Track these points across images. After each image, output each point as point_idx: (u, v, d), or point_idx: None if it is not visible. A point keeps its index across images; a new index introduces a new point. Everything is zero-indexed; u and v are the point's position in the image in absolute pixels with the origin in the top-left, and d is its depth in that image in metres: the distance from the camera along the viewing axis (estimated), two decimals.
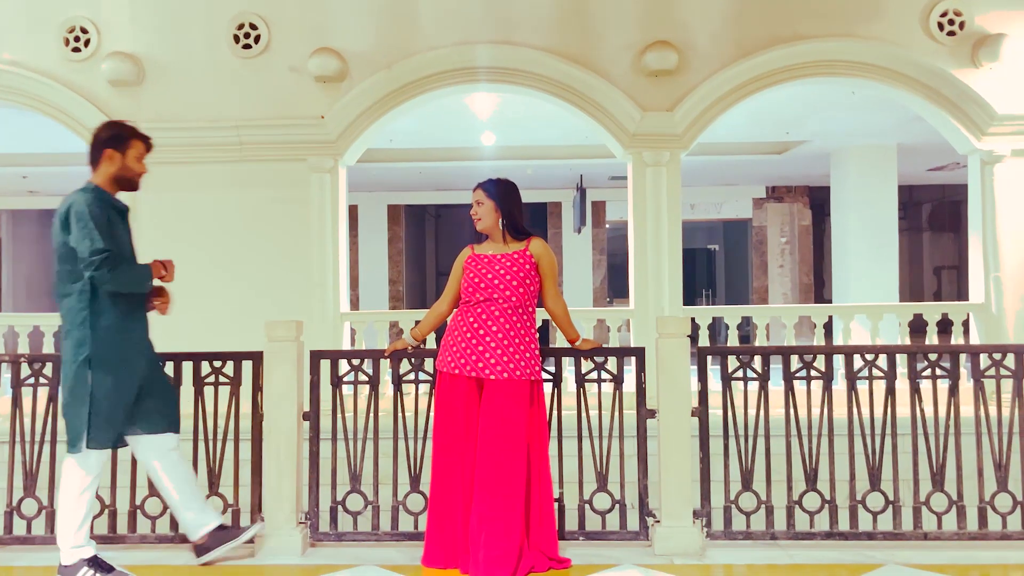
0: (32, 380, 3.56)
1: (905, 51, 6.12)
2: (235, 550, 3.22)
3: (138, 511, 3.50)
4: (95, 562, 2.94)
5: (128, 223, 3.01)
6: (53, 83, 6.25)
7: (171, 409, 3.13)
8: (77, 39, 6.28)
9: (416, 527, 3.48)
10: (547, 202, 12.88)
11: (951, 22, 6.16)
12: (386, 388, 3.65)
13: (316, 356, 3.53)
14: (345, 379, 3.54)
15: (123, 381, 2.91)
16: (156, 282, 3.03)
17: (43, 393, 3.57)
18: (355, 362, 3.55)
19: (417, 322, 3.44)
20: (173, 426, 3.11)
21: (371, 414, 3.50)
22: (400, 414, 3.51)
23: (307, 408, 3.51)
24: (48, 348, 6.90)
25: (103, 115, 6.23)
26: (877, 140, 8.99)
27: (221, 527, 3.16)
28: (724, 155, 9.43)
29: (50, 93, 6.28)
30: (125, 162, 2.93)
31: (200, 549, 3.17)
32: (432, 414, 3.29)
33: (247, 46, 6.27)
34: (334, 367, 3.54)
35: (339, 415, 3.51)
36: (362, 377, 3.54)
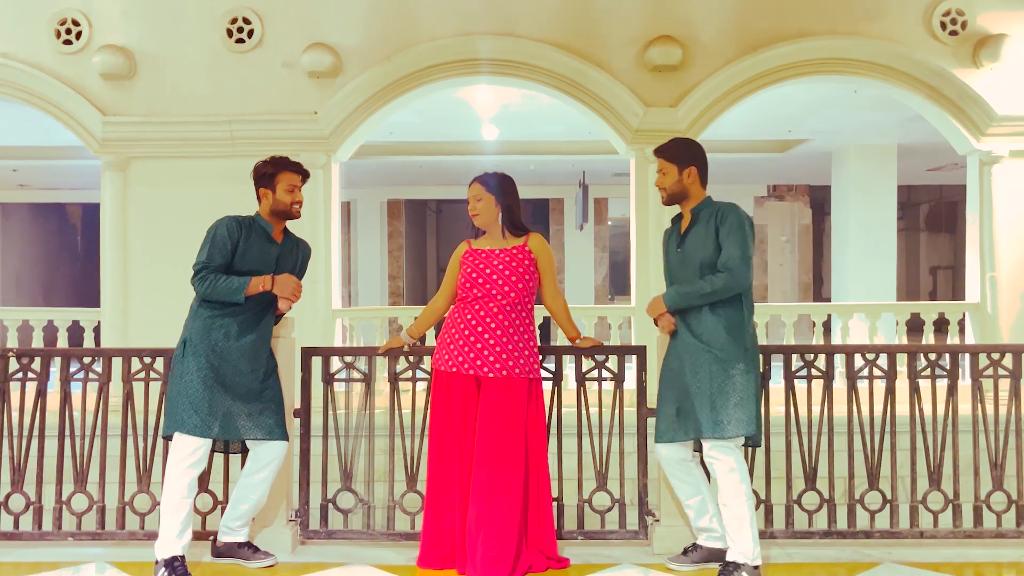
0: (20, 375, 3.51)
1: (908, 50, 6.09)
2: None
3: (127, 508, 3.46)
4: (171, 564, 2.93)
5: (275, 242, 3.15)
6: (44, 76, 6.18)
7: (275, 418, 3.12)
8: (68, 31, 6.21)
9: (413, 527, 3.44)
10: (549, 198, 12.84)
11: (953, 21, 6.14)
12: (383, 385, 3.62)
13: (307, 353, 3.49)
14: (336, 376, 3.50)
15: (212, 372, 2.98)
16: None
17: (31, 388, 3.52)
18: (347, 359, 3.51)
19: (415, 319, 3.39)
20: (274, 435, 3.09)
21: (365, 411, 3.46)
22: (396, 412, 3.47)
23: (298, 405, 3.46)
24: (37, 342, 6.85)
25: (94, 109, 6.18)
26: (878, 140, 8.98)
27: (240, 543, 3.19)
28: (726, 153, 9.39)
29: (41, 86, 6.21)
30: (276, 197, 3.12)
31: (215, 550, 3.22)
32: (429, 412, 3.24)
33: (240, 40, 6.21)
34: (325, 364, 3.50)
35: (330, 412, 3.46)
36: (354, 374, 3.50)
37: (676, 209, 3.15)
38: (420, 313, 3.34)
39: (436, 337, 3.22)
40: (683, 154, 3.04)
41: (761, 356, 3.42)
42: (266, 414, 3.08)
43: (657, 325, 3.07)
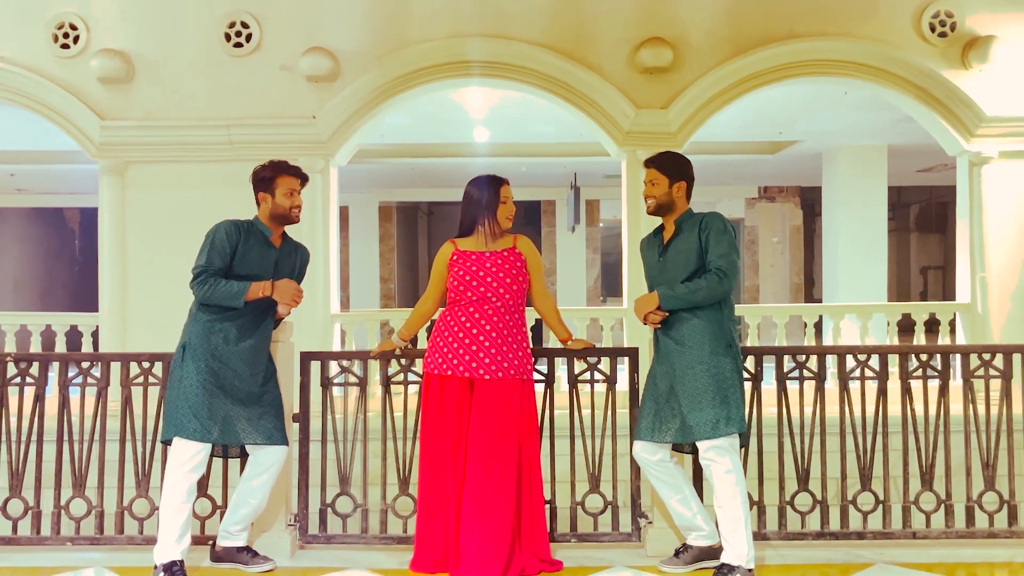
0: (18, 380, 3.52)
1: (897, 51, 6.14)
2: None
3: (126, 512, 3.48)
4: (170, 569, 2.95)
5: (274, 247, 3.17)
6: (42, 80, 6.18)
7: (275, 422, 3.13)
8: (66, 35, 6.20)
9: (405, 530, 3.47)
10: (541, 200, 12.86)
11: (943, 23, 6.19)
12: (375, 389, 3.64)
13: (306, 357, 3.51)
14: (335, 380, 3.52)
15: (212, 376, 2.99)
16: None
17: (30, 392, 3.54)
18: (345, 363, 3.53)
19: (405, 321, 3.40)
20: (274, 439, 3.10)
21: (360, 415, 3.48)
22: (389, 415, 3.49)
23: (296, 410, 3.48)
24: (35, 347, 6.84)
25: (92, 113, 6.19)
26: (868, 141, 9.03)
27: (240, 548, 3.21)
28: (717, 155, 9.45)
29: (38, 90, 6.21)
30: (275, 201, 3.12)
31: (214, 554, 3.23)
32: (420, 416, 3.26)
33: (238, 44, 6.22)
34: (324, 368, 3.52)
35: (328, 417, 3.49)
36: (352, 378, 3.52)
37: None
38: (409, 316, 3.34)
39: (428, 339, 3.24)
40: (676, 168, 3.09)
41: (752, 357, 3.48)
42: (266, 418, 3.10)
43: (646, 322, 3.10)
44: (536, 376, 3.26)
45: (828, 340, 7.10)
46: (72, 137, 6.33)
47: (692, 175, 3.12)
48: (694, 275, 2.99)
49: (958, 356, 3.73)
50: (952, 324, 6.71)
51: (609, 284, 13.74)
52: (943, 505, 3.48)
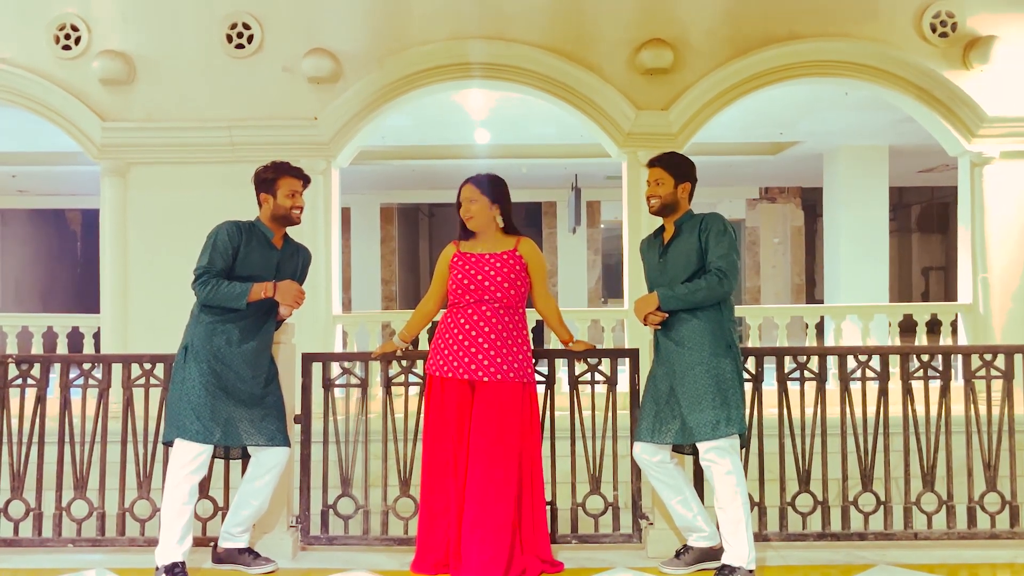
0: (20, 381, 3.53)
1: (898, 52, 6.14)
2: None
3: (127, 514, 3.48)
4: (171, 570, 2.95)
5: (275, 248, 3.18)
6: (43, 81, 6.19)
7: (277, 424, 3.13)
8: (68, 36, 6.21)
9: (406, 532, 3.47)
10: (542, 202, 12.88)
11: (943, 23, 6.19)
12: (377, 390, 3.65)
13: (308, 359, 3.51)
14: (336, 382, 3.52)
15: (214, 378, 2.99)
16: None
17: (31, 394, 3.54)
18: (346, 365, 3.54)
19: (406, 323, 3.40)
20: (276, 440, 3.10)
21: (361, 417, 3.49)
22: (390, 417, 3.50)
23: (298, 411, 3.49)
24: (37, 349, 6.85)
25: (94, 114, 6.20)
26: (869, 141, 9.03)
27: (241, 549, 3.21)
28: (718, 155, 9.45)
29: (40, 91, 6.22)
30: (276, 202, 3.13)
31: (216, 556, 3.23)
32: (422, 417, 3.26)
33: (240, 46, 6.23)
34: (325, 370, 3.52)
35: (330, 418, 3.49)
36: (353, 380, 3.53)
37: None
38: (410, 317, 3.35)
39: (429, 342, 3.24)
40: (681, 169, 3.10)
41: (753, 358, 3.48)
42: (268, 420, 3.10)
43: (646, 323, 3.10)
44: (537, 377, 3.26)
45: (829, 341, 7.10)
46: (73, 138, 6.34)
47: (696, 177, 3.13)
48: (694, 276, 2.99)
49: (959, 357, 3.74)
50: (954, 325, 6.71)
51: (610, 285, 13.74)
52: (944, 506, 3.48)
